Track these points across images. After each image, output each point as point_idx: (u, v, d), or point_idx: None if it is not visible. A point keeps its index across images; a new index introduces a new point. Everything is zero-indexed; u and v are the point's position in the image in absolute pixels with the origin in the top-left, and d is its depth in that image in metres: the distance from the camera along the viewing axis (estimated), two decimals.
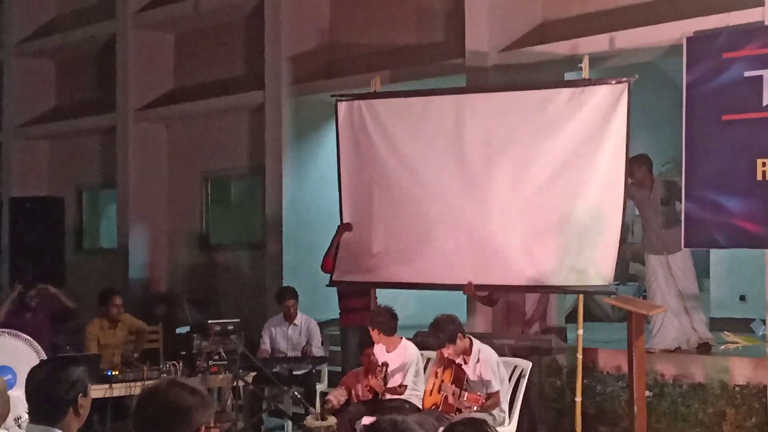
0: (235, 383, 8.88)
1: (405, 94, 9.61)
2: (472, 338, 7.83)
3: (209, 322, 8.99)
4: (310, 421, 8.14)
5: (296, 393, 8.81)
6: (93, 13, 15.78)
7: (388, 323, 8.28)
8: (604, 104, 8.38)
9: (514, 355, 8.39)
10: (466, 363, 7.72)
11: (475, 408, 7.30)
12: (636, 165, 9.03)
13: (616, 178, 8.35)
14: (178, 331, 10.49)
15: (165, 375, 8.54)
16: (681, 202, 8.62)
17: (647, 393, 8.25)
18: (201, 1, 13.69)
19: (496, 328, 9.41)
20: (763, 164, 8.04)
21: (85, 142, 16.25)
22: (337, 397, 8.35)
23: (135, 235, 14.77)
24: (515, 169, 8.78)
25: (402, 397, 8.10)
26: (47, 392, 3.76)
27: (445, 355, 7.74)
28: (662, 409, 8.67)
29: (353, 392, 8.39)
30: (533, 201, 8.70)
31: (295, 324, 10.13)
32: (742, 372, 8.48)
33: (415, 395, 8.12)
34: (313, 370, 9.70)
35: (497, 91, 9.34)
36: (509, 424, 7.87)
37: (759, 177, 8.07)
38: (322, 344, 10.29)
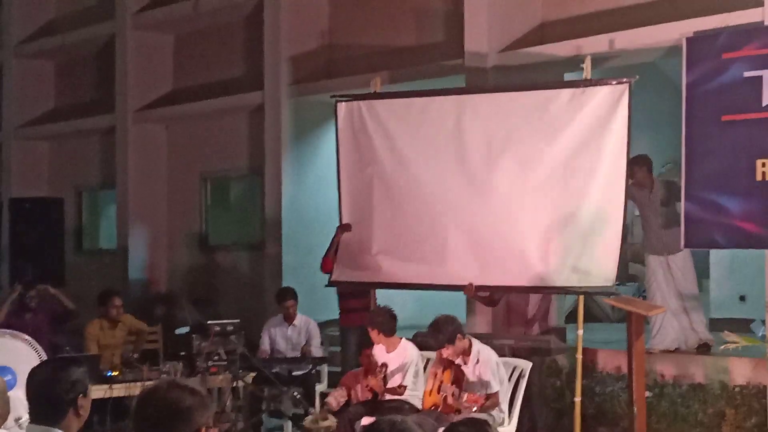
0: (234, 384, 8.87)
1: (405, 95, 9.61)
2: (472, 339, 7.83)
3: (209, 322, 8.97)
4: (309, 421, 8.15)
5: (296, 393, 8.81)
6: (92, 13, 15.79)
7: (388, 323, 8.28)
8: (605, 105, 8.37)
9: (514, 356, 8.39)
10: (465, 363, 7.72)
11: (474, 408, 7.29)
12: (636, 165, 9.02)
13: (618, 178, 8.34)
14: (177, 331, 10.50)
15: (165, 375, 8.53)
16: (681, 202, 8.62)
17: (647, 393, 8.24)
18: (200, 1, 13.70)
19: (496, 329, 9.41)
20: (763, 165, 8.04)
21: (84, 143, 16.26)
22: (337, 398, 8.35)
23: (134, 235, 14.77)
24: (516, 170, 8.77)
25: (401, 397, 8.10)
26: (47, 393, 3.77)
27: (445, 356, 7.73)
28: (662, 409, 8.67)
29: (353, 393, 8.38)
30: (534, 201, 8.68)
31: (294, 324, 10.12)
32: (741, 372, 8.48)
33: (414, 396, 8.12)
34: (313, 371, 9.69)
35: (498, 91, 9.34)
36: (509, 424, 7.87)
37: (759, 177, 8.07)
38: (321, 345, 10.29)
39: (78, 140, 16.32)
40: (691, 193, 8.46)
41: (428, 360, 8.40)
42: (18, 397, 4.42)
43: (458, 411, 7.46)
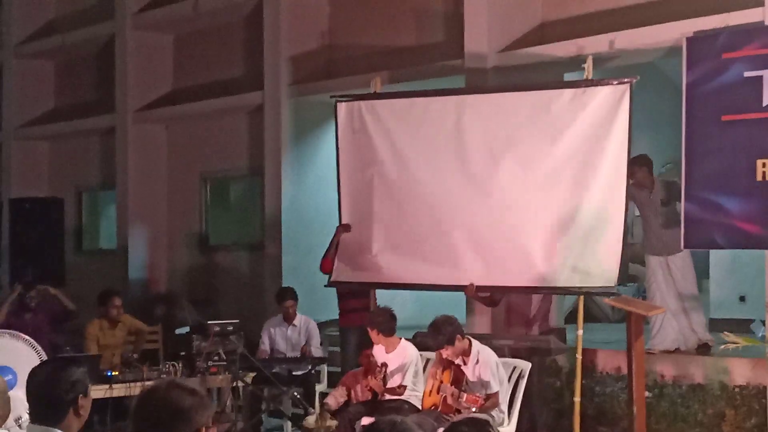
0: (234, 384, 8.88)
1: (405, 95, 9.60)
2: (472, 339, 7.82)
3: (209, 322, 8.98)
4: (309, 421, 8.15)
5: (295, 393, 8.82)
6: (92, 13, 15.78)
7: (387, 323, 8.28)
8: (606, 105, 8.36)
9: (514, 356, 8.39)
10: (465, 364, 7.71)
11: (473, 409, 7.29)
12: (636, 165, 9.01)
13: (619, 178, 8.33)
14: (177, 331, 10.51)
15: (164, 375, 8.53)
16: (681, 202, 8.61)
17: (647, 394, 8.25)
18: (200, 1, 13.69)
19: (496, 329, 9.40)
20: (763, 165, 8.03)
21: (84, 143, 16.25)
22: (336, 397, 8.36)
23: (134, 235, 14.77)
24: (517, 170, 8.76)
25: (401, 397, 8.10)
26: (48, 393, 3.77)
27: (444, 357, 7.73)
28: (662, 409, 8.67)
29: (353, 393, 8.39)
30: (535, 201, 8.67)
31: (294, 324, 10.12)
32: (741, 373, 8.48)
33: (414, 396, 8.12)
34: (313, 371, 9.69)
35: (499, 91, 9.33)
36: (508, 425, 7.87)
37: (759, 177, 8.06)
38: (321, 345, 10.29)
39: (78, 140, 16.32)
40: (691, 194, 8.45)
41: (428, 360, 8.40)
42: (18, 397, 4.42)
43: (458, 411, 7.46)
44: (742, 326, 9.84)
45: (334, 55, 12.80)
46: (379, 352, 8.31)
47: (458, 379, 7.66)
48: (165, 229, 15.01)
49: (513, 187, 8.78)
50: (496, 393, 7.62)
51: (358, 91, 9.96)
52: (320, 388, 9.80)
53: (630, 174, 8.55)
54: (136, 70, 14.85)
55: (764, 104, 8.05)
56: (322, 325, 10.73)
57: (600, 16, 10.13)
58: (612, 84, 8.39)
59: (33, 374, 3.87)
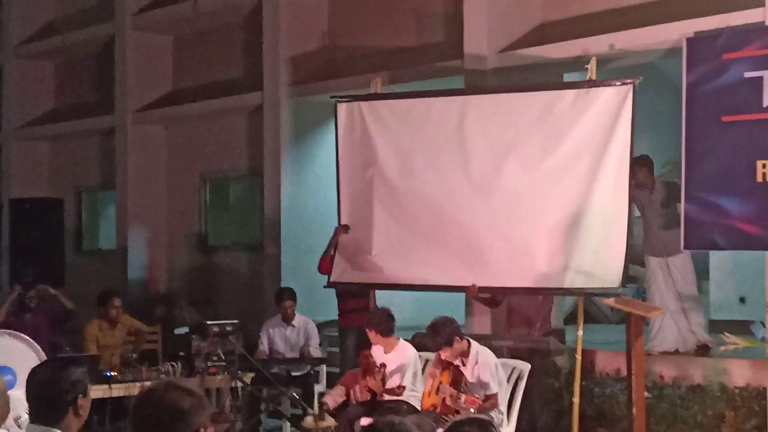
0: (233, 384, 8.87)
1: (405, 96, 9.59)
2: (471, 340, 7.81)
3: (208, 323, 8.97)
4: (308, 422, 8.14)
5: (294, 394, 8.81)
6: (92, 14, 15.79)
7: (385, 324, 8.27)
8: (609, 106, 8.33)
9: (513, 357, 8.38)
10: (464, 365, 7.71)
11: (472, 410, 7.28)
12: (637, 166, 8.98)
13: (622, 179, 8.32)
14: (176, 331, 10.51)
15: (164, 376, 8.53)
16: (681, 203, 8.60)
17: (646, 395, 8.24)
18: (200, 2, 13.69)
19: (495, 330, 9.39)
20: (763, 166, 8.02)
21: (84, 144, 16.26)
22: (335, 397, 8.35)
23: (134, 236, 14.77)
24: (519, 171, 8.73)
25: (400, 398, 8.09)
26: (47, 393, 3.76)
27: (443, 357, 7.73)
28: (661, 411, 8.66)
29: (352, 393, 8.38)
30: (538, 202, 8.66)
31: (293, 325, 10.11)
32: (741, 374, 8.47)
33: (413, 396, 8.11)
34: (312, 371, 9.69)
35: (500, 92, 9.32)
36: (508, 425, 7.86)
37: (759, 178, 8.05)
38: (320, 345, 10.28)
39: (78, 141, 16.32)
40: (691, 194, 8.45)
41: (427, 361, 8.39)
42: (18, 397, 4.41)
43: (456, 412, 7.45)
44: (742, 327, 9.84)
45: (334, 55, 12.80)
46: (377, 353, 8.30)
47: (457, 380, 7.65)
48: (164, 229, 15.02)
49: (516, 188, 8.76)
50: (495, 394, 7.62)
51: (357, 91, 9.96)
52: (319, 388, 9.79)
53: (631, 174, 8.54)
54: (136, 71, 14.85)
55: (764, 105, 8.04)
56: (321, 326, 10.72)
57: (600, 16, 10.13)
58: (615, 85, 8.36)
59: (33, 374, 3.87)
